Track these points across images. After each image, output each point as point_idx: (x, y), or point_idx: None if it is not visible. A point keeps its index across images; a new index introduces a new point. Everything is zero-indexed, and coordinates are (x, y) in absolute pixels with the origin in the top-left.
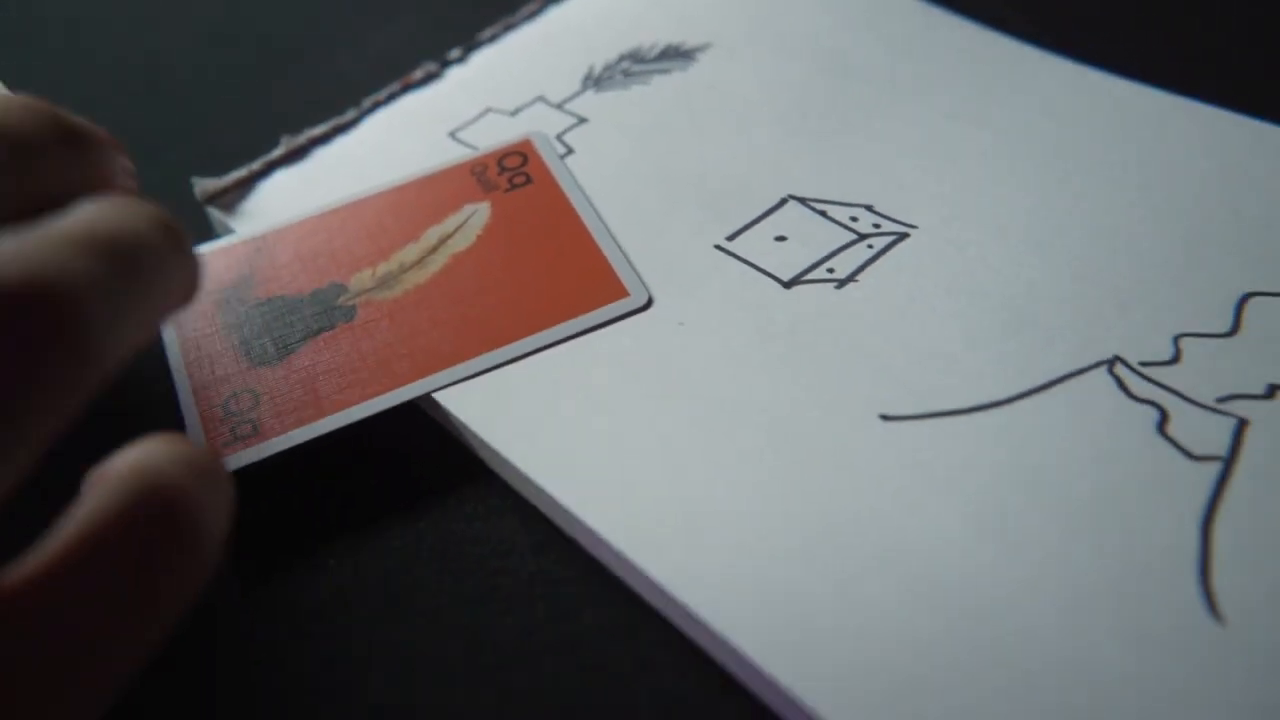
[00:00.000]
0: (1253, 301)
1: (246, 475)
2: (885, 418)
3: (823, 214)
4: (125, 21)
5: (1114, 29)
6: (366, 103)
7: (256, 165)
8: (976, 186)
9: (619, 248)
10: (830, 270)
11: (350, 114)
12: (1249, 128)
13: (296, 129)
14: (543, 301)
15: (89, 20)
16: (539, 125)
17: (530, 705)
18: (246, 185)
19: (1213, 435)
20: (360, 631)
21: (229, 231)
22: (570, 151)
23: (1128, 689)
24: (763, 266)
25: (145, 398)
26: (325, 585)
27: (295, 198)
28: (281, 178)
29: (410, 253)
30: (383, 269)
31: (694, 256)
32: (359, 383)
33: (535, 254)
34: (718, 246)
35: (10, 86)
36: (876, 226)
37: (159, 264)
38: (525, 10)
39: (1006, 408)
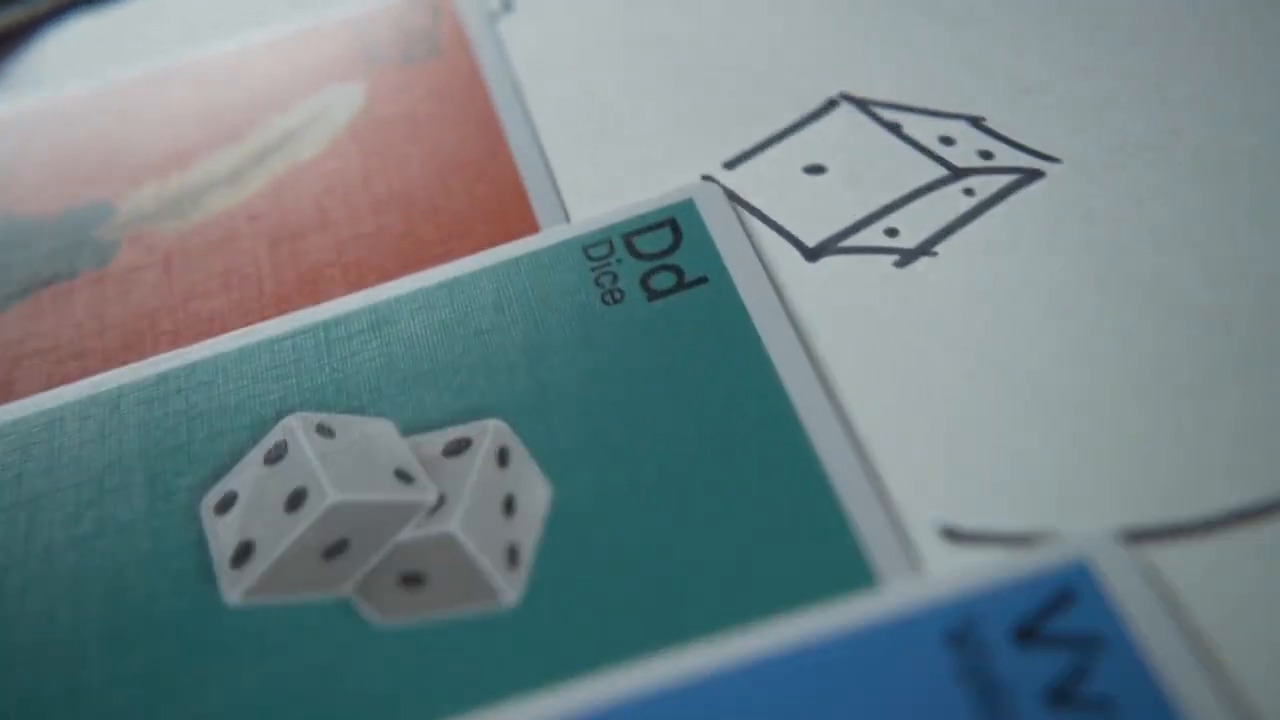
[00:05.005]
0: None
1: None
2: None
3: (895, 128)
4: None
5: None
6: None
7: (41, 2)
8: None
9: (548, 171)
10: (891, 232)
11: None
12: None
13: None
14: (416, 248)
15: None
16: None
17: None
18: (17, 35)
19: None
20: None
21: None
22: (509, 9)
23: None
24: (780, 223)
25: None
26: None
27: (90, 59)
28: (77, 27)
29: (226, 158)
30: (175, 184)
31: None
32: (77, 371)
33: (413, 172)
34: (707, 178)
35: None
36: (986, 156)
37: None
38: None
39: None
